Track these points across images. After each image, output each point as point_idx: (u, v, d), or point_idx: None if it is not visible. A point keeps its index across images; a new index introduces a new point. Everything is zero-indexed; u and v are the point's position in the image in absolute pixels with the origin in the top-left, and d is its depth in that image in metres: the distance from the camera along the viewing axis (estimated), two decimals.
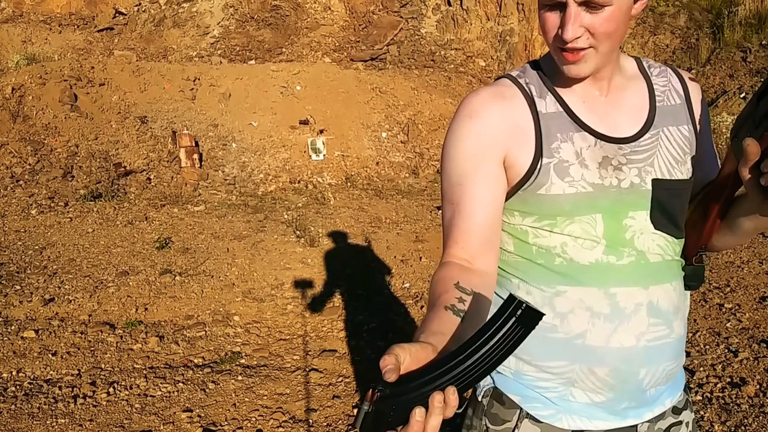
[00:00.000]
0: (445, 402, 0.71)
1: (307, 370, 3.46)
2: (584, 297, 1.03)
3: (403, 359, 0.72)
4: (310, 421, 2.96)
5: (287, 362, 3.57)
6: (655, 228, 1.04)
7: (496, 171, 1.05)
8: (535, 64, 1.12)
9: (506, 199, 1.08)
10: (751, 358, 3.23)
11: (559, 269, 1.05)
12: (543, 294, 1.06)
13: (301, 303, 4.42)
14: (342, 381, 3.34)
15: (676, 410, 1.14)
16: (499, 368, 1.14)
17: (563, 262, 1.04)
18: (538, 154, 1.03)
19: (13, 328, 3.87)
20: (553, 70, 1.08)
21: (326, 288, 4.70)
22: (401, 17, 11.44)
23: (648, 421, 1.11)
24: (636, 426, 1.10)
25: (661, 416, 1.12)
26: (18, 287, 4.51)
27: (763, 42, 9.34)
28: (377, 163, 8.52)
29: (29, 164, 7.47)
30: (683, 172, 1.06)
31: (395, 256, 5.28)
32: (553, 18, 0.97)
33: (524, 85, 1.09)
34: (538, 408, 1.10)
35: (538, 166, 1.03)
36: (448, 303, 0.91)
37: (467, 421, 1.20)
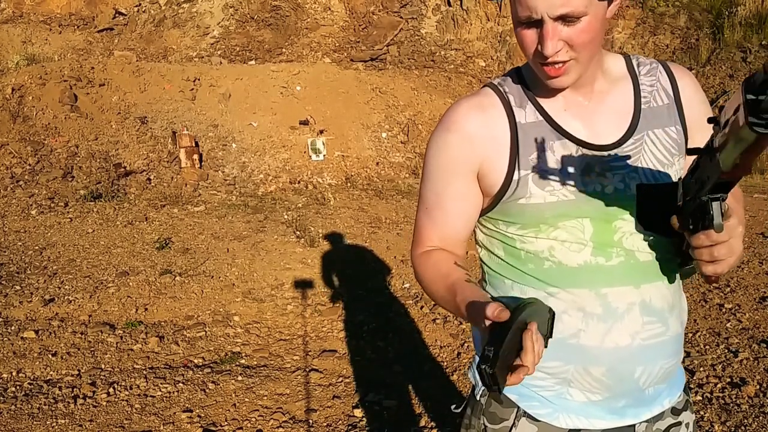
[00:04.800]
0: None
1: (307, 370, 3.46)
2: (576, 298, 1.04)
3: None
4: (310, 421, 2.96)
5: (287, 362, 3.57)
6: (645, 229, 1.04)
7: (467, 186, 1.10)
8: (517, 72, 1.13)
9: (489, 210, 1.11)
10: (751, 358, 3.23)
11: (548, 273, 1.05)
12: (537, 294, 1.07)
13: (301, 303, 4.42)
14: (342, 381, 3.34)
15: (675, 411, 1.14)
16: None
17: (552, 265, 1.05)
18: (513, 165, 1.04)
19: (13, 328, 3.87)
20: (534, 78, 1.08)
21: (326, 288, 4.70)
22: (401, 17, 11.44)
23: (646, 421, 1.11)
24: (634, 426, 1.10)
25: (659, 416, 1.12)
26: (18, 287, 4.51)
27: (763, 42, 9.34)
28: (377, 163, 8.52)
29: (29, 164, 7.47)
30: (670, 174, 1.05)
31: (395, 256, 5.28)
32: (530, 34, 0.97)
33: (504, 93, 1.09)
34: (536, 407, 1.11)
35: (515, 178, 1.04)
36: (465, 278, 1.02)
37: (465, 420, 1.20)
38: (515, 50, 10.91)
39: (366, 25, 11.46)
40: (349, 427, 2.91)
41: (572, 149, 1.04)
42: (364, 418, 2.98)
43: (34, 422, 2.87)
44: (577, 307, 1.04)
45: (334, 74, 9.57)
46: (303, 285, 4.69)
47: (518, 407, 1.12)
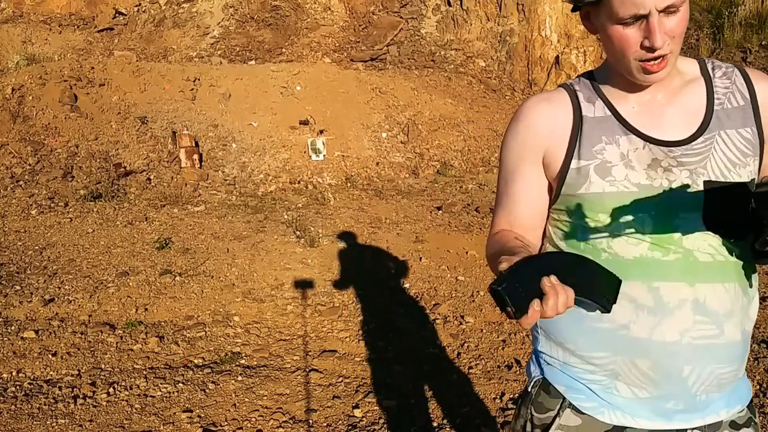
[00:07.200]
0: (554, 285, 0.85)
1: (307, 370, 3.46)
2: (628, 290, 1.04)
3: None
4: (310, 421, 2.96)
5: (287, 363, 3.57)
6: (708, 229, 1.03)
7: (533, 172, 1.16)
8: (589, 75, 1.17)
9: (554, 201, 1.17)
10: (751, 358, 3.23)
11: (604, 264, 1.05)
12: None
13: (301, 303, 4.42)
14: (342, 381, 3.34)
15: (734, 425, 1.12)
16: (549, 360, 1.20)
17: (608, 257, 1.07)
18: (570, 155, 1.09)
19: (13, 328, 3.87)
20: (607, 78, 1.13)
21: (326, 288, 4.70)
22: (401, 17, 11.44)
23: (699, 428, 1.10)
24: (685, 430, 1.09)
25: (716, 426, 1.10)
26: (18, 287, 4.51)
27: (763, 42, 9.34)
28: (377, 163, 8.52)
29: (29, 164, 7.47)
30: (742, 174, 1.04)
31: (395, 256, 5.28)
32: (633, 32, 0.99)
33: (574, 91, 1.14)
34: (582, 399, 1.12)
35: (573, 167, 1.08)
36: (519, 246, 1.05)
37: (516, 411, 1.25)
38: (515, 50, 10.91)
39: (366, 25, 11.46)
40: (349, 427, 2.91)
41: (639, 144, 1.06)
42: (364, 418, 2.98)
43: (34, 422, 2.87)
44: (628, 298, 1.04)
45: (334, 74, 9.57)
46: (303, 285, 4.69)
47: (564, 398, 1.14)
